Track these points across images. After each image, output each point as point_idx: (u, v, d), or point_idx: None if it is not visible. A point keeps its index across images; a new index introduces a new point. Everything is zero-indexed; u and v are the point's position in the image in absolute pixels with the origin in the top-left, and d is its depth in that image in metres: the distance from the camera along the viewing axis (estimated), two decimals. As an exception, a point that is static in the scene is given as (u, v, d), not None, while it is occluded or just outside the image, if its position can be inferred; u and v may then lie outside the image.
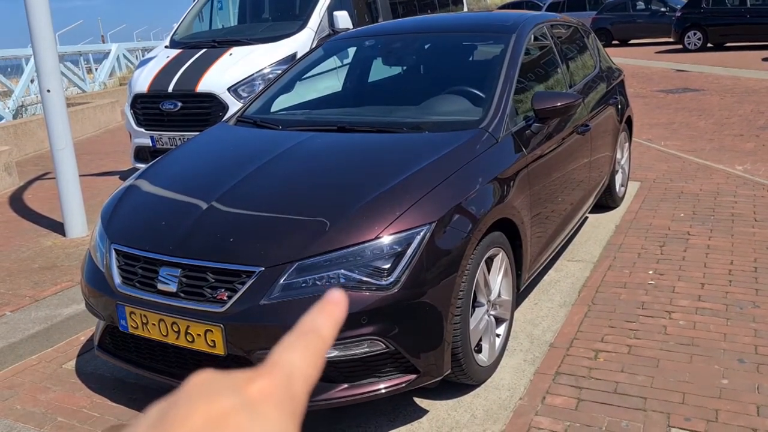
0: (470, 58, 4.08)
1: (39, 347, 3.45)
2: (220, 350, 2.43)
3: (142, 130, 6.34)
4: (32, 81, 13.10)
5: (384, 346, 2.41)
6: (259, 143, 3.33)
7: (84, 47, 16.90)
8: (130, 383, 3.07)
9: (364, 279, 2.40)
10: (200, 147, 3.48)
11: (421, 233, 2.50)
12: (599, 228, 4.83)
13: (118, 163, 7.82)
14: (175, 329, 2.51)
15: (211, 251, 2.50)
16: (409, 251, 2.46)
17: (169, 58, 6.63)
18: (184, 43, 6.94)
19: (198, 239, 2.57)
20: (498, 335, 3.06)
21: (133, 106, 6.42)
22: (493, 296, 2.97)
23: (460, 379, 2.77)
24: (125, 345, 2.79)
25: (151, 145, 6.32)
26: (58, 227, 5.16)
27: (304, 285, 2.40)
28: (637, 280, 3.87)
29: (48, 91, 4.75)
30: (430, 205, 2.59)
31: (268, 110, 3.96)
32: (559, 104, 3.32)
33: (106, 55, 17.21)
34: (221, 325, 2.40)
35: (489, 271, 2.92)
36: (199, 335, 2.46)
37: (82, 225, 4.97)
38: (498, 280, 2.99)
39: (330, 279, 2.40)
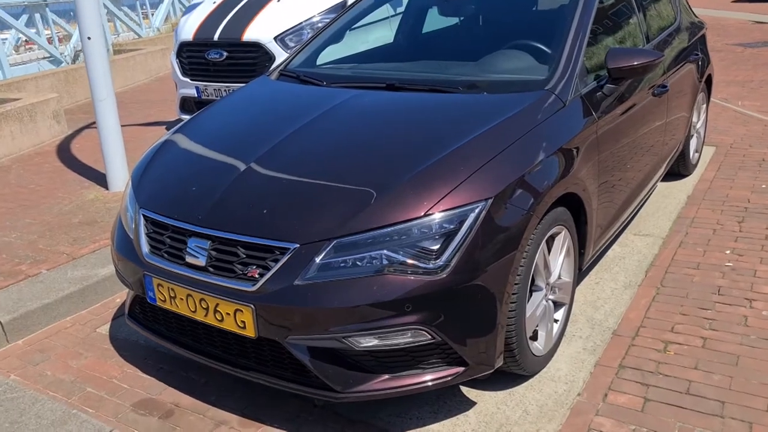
0: (537, 8, 3.67)
1: (74, 308, 3.35)
2: (250, 332, 2.23)
3: (188, 80, 6.15)
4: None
5: (430, 337, 2.16)
6: (301, 101, 3.06)
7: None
8: (161, 353, 2.93)
9: (410, 261, 2.14)
10: (238, 103, 3.24)
11: (476, 210, 2.21)
12: (669, 198, 4.42)
13: (165, 113, 7.70)
14: (204, 306, 2.32)
15: (242, 223, 2.28)
16: (462, 231, 2.18)
17: (216, 4, 6.37)
18: (233, -12, 6.64)
19: (229, 209, 2.34)
20: (556, 321, 2.78)
21: (178, 54, 6.22)
22: (553, 279, 2.67)
23: (512, 369, 2.51)
24: (155, 316, 2.63)
25: (196, 95, 6.13)
26: (102, 179, 5.06)
27: (343, 265, 2.15)
28: (712, 260, 3.50)
29: (89, 38, 4.57)
30: (487, 178, 2.29)
31: (313, 63, 3.67)
32: (636, 63, 2.92)
33: (162, -1, 17.00)
34: (252, 306, 2.19)
35: (549, 252, 2.63)
36: (228, 314, 2.26)
37: (124, 178, 4.85)
38: (559, 261, 2.69)
39: (372, 260, 2.15)
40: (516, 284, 2.33)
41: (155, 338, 2.61)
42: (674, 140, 4.17)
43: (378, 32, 4.35)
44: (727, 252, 3.57)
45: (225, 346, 2.40)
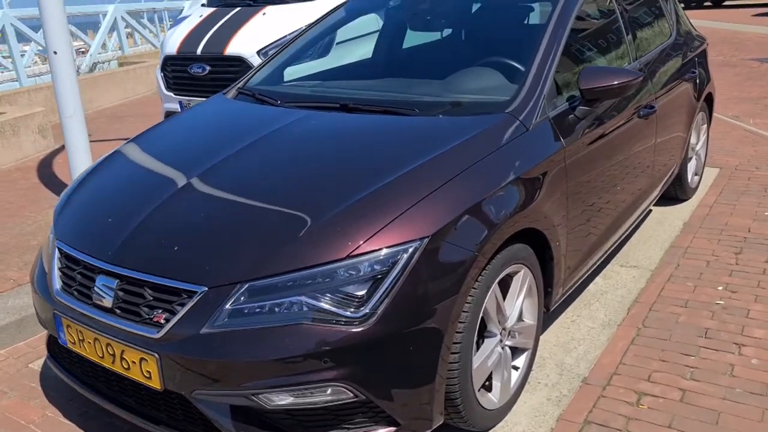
0: (512, 22, 3.41)
1: (9, 340, 3.14)
2: (156, 383, 1.99)
3: (171, 94, 5.98)
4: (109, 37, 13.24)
5: (352, 395, 1.91)
6: (246, 122, 2.84)
7: (158, 4, 16.76)
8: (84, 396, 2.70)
9: (331, 309, 1.88)
10: (183, 123, 3.02)
11: (409, 251, 1.95)
12: (663, 225, 4.12)
13: (156, 127, 7.54)
14: (110, 352, 2.09)
15: (150, 261, 2.04)
16: (392, 275, 1.92)
17: (202, 17, 6.21)
18: (221, 1, 6.48)
19: (139, 244, 2.11)
20: (516, 368, 2.51)
21: (163, 68, 6.05)
22: (510, 323, 2.40)
23: (459, 425, 2.24)
24: (71, 358, 2.40)
25: (179, 110, 5.96)
26: (73, 198, 4.87)
27: (258, 311, 1.91)
28: (703, 297, 3.19)
29: (55, 52, 4.39)
30: (425, 214, 2.03)
31: (277, 80, 3.45)
32: (611, 83, 2.66)
33: (181, 11, 17.03)
34: (156, 354, 1.95)
35: (506, 294, 2.36)
36: (134, 362, 2.03)
37: (92, 197, 4.65)
38: (517, 303, 2.42)
39: (290, 306, 1.90)
40: (459, 332, 2.06)
41: (71, 382, 2.37)
42: (668, 164, 3.88)
43: (363, 47, 4.14)
44: (720, 288, 3.27)
45: (137, 396, 2.16)
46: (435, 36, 3.72)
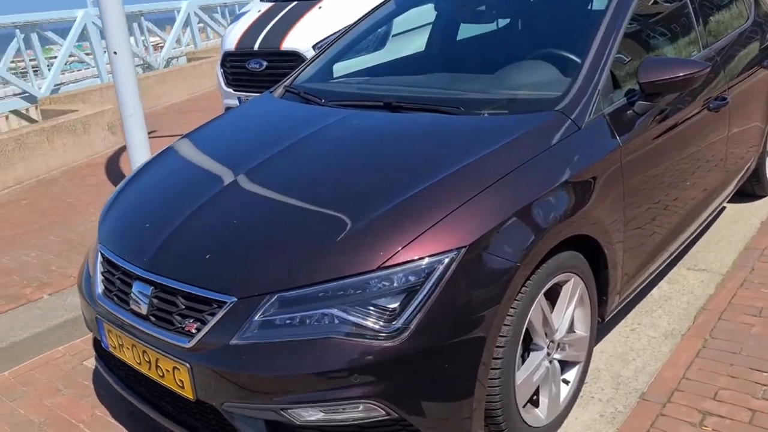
0: (573, 9, 3.21)
1: (66, 337, 3.22)
2: (188, 393, 1.97)
3: (231, 90, 6.03)
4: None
5: (384, 413, 1.82)
6: (290, 122, 2.78)
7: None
8: (137, 395, 2.73)
9: (362, 322, 1.80)
10: (228, 125, 3.00)
11: (445, 262, 1.85)
12: (738, 224, 3.83)
13: (219, 122, 7.66)
14: (147, 359, 2.09)
15: (182, 269, 2.02)
16: (426, 287, 1.82)
17: (260, 13, 6.23)
18: (279, -5, 6.48)
19: (173, 251, 2.09)
20: (566, 382, 2.36)
21: (222, 64, 6.12)
22: (559, 335, 2.26)
23: (502, 444, 2.13)
24: (116, 360, 2.42)
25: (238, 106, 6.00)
26: (135, 194, 4.99)
27: (288, 323, 1.85)
28: (780, 305, 2.94)
29: (115, 53, 4.49)
30: (463, 222, 1.92)
31: (325, 77, 3.39)
32: (675, 76, 2.45)
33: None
34: (187, 365, 1.93)
35: (554, 304, 2.22)
36: (168, 371, 2.02)
37: (152, 194, 4.75)
38: (567, 314, 2.27)
39: (321, 318, 1.83)
40: (500, 347, 1.95)
41: (115, 384, 2.39)
42: (745, 156, 3.59)
43: (418, 39, 4.04)
44: (800, 295, 3.00)
45: (174, 403, 2.15)
46: (489, 27, 3.57)
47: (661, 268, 2.95)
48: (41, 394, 2.83)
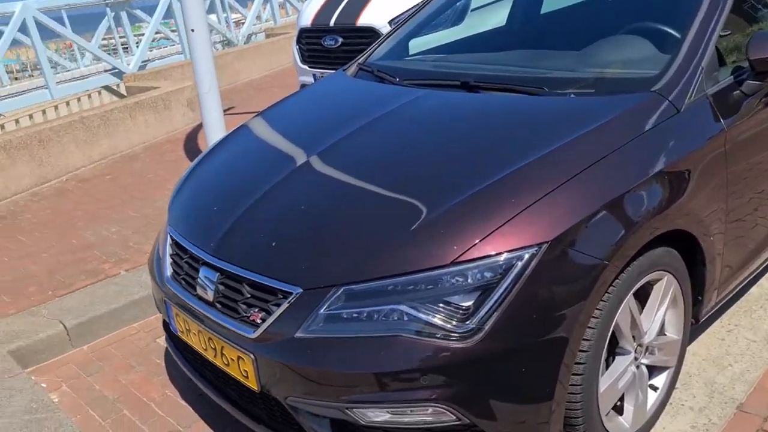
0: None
1: (142, 314, 3.27)
2: (252, 384, 1.93)
3: (306, 67, 5.98)
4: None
5: (454, 417, 1.71)
6: (362, 102, 2.67)
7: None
8: (206, 376, 2.74)
9: (432, 321, 1.69)
10: (299, 104, 2.92)
11: (525, 258, 1.70)
12: None
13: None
14: (213, 346, 2.05)
15: (249, 257, 1.96)
16: (504, 285, 1.69)
17: (336, -12, 6.13)
18: (356, -29, 6.35)
19: (240, 237, 2.03)
20: (654, 388, 2.18)
21: (298, 41, 6.07)
22: (649, 338, 2.07)
23: (581, 453, 1.98)
24: (184, 342, 2.41)
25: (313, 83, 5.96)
26: (211, 172, 5.04)
27: (355, 317, 1.76)
28: None
29: (192, 30, 4.50)
30: (545, 215, 1.76)
31: (401, 54, 3.25)
32: (791, 52, 2.18)
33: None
34: (252, 355, 1.88)
35: (643, 305, 2.03)
36: (233, 360, 1.97)
37: (227, 172, 4.78)
38: (658, 316, 2.08)
39: (389, 314, 1.73)
40: (582, 351, 1.79)
41: (183, 366, 2.39)
42: None
43: (499, 14, 3.84)
44: None
45: (239, 391, 2.11)
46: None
47: (765, 265, 2.68)
48: (116, 370, 2.88)
